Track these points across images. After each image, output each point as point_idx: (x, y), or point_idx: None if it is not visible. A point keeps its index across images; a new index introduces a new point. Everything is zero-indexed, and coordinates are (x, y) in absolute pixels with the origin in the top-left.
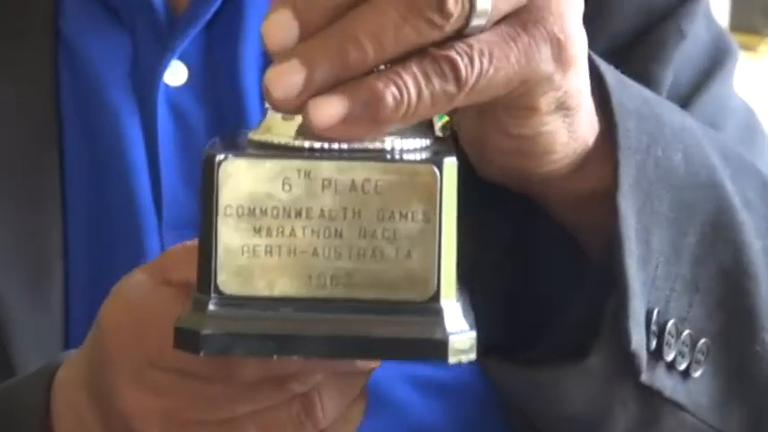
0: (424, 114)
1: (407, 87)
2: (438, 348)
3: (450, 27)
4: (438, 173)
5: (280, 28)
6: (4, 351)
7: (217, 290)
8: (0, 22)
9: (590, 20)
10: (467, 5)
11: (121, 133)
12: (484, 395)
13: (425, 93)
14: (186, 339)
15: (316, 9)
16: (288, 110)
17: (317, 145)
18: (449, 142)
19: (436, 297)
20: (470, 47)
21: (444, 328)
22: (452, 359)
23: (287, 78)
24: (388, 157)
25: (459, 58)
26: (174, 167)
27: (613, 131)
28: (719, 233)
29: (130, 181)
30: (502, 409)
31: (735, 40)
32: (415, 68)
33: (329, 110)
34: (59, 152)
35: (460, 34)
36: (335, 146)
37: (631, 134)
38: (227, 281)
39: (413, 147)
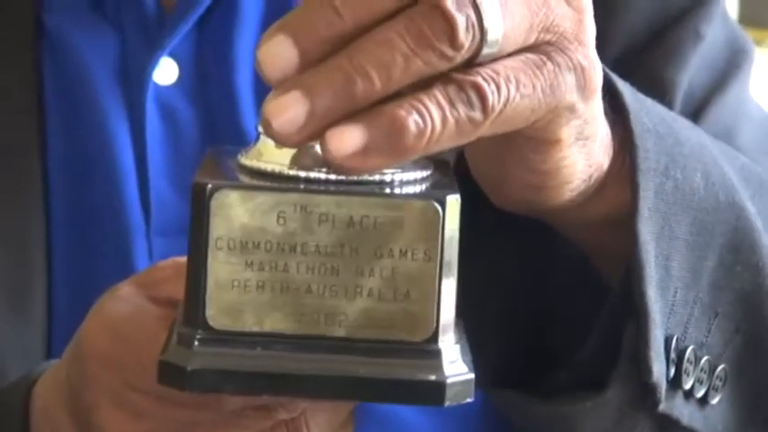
0: (447, 144)
1: (431, 115)
2: (434, 392)
3: (460, 58)
4: (441, 210)
5: (278, 56)
6: None
7: (205, 325)
8: None
9: (604, 21)
10: (477, 35)
11: (108, 133)
12: (482, 412)
13: (450, 120)
14: (171, 375)
15: (317, 36)
16: (289, 144)
17: (313, 175)
18: (449, 172)
19: (434, 338)
20: (497, 73)
21: (442, 371)
22: (449, 402)
23: (288, 111)
24: (388, 191)
25: (485, 84)
26: (163, 170)
27: (633, 152)
28: (739, 256)
29: (117, 184)
30: (501, 427)
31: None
32: (438, 94)
33: (348, 140)
34: (42, 151)
35: (471, 63)
36: (332, 177)
37: (650, 155)
38: (215, 316)
39: (413, 178)
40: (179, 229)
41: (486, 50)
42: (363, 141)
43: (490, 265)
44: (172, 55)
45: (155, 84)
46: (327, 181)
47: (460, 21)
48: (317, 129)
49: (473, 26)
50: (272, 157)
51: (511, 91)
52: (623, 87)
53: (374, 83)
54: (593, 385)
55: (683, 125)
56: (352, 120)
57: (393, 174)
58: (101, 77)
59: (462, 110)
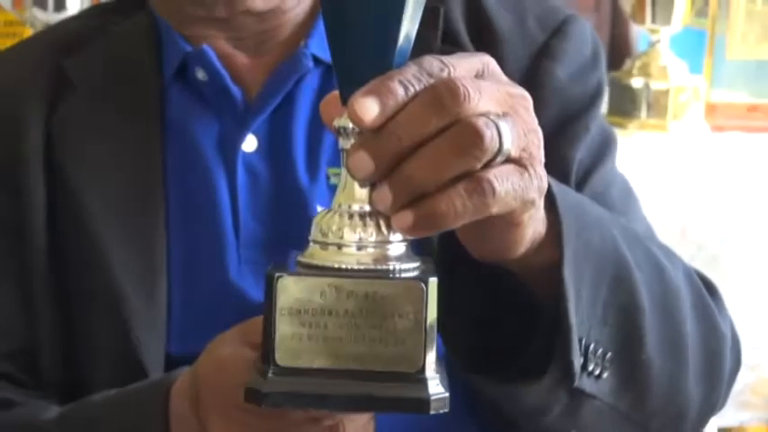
0: (471, 218)
1: (455, 204)
2: (422, 405)
3: (485, 158)
4: (425, 287)
5: (361, 165)
6: (127, 334)
7: (275, 363)
8: (121, 108)
9: None
10: (497, 145)
11: (212, 184)
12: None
13: (469, 204)
14: (253, 396)
15: (385, 152)
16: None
17: (343, 266)
18: (431, 263)
19: (422, 370)
20: (502, 173)
21: (428, 392)
22: (432, 412)
23: (385, 198)
24: (391, 276)
25: (495, 180)
26: (248, 207)
27: (559, 225)
28: (621, 284)
29: (218, 216)
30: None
31: (612, 121)
32: (462, 191)
33: (406, 221)
34: (165, 193)
35: (488, 165)
36: (355, 267)
37: (570, 226)
38: (281, 357)
39: (408, 267)
40: (258, 245)
41: (499, 158)
42: (414, 221)
43: (467, 296)
44: (253, 132)
45: (242, 152)
46: (351, 270)
47: (488, 133)
48: (400, 206)
49: (494, 138)
50: (319, 256)
51: (509, 186)
52: (551, 180)
53: (429, 177)
54: (534, 372)
55: (587, 201)
56: (408, 207)
57: (395, 264)
58: (207, 148)
59: (478, 197)
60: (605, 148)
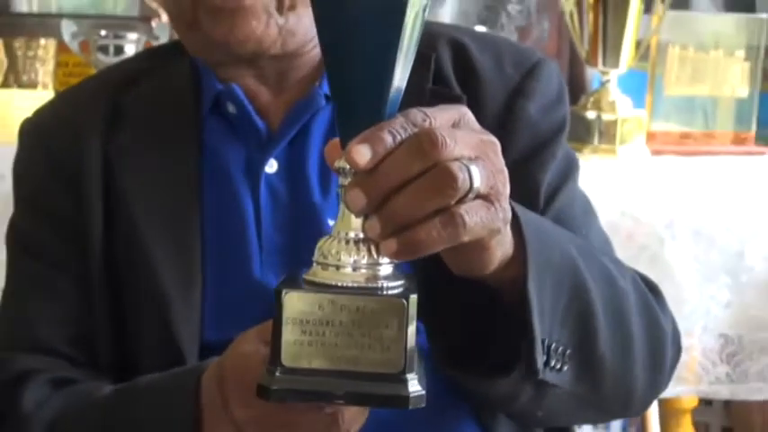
0: (446, 245)
1: (432, 234)
2: (403, 401)
3: (458, 196)
4: (406, 303)
5: (356, 200)
6: (168, 325)
7: (281, 364)
8: (166, 136)
9: (504, 145)
10: (468, 185)
11: (240, 200)
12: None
13: (444, 234)
14: (263, 392)
15: (377, 190)
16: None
17: (340, 283)
18: (414, 281)
19: (403, 372)
20: (472, 208)
21: (407, 390)
22: (411, 407)
23: (375, 228)
24: (378, 293)
25: (466, 215)
26: (269, 221)
27: (524, 246)
28: (577, 294)
29: (245, 228)
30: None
31: (570, 146)
32: (438, 223)
33: (391, 248)
34: (200, 211)
35: (460, 201)
36: (349, 284)
37: (533, 245)
38: (286, 358)
39: (393, 285)
40: (277, 252)
41: (470, 195)
42: (398, 247)
43: (448, 305)
44: (274, 157)
45: (265, 173)
46: (345, 287)
47: (460, 176)
48: (387, 235)
49: (466, 180)
50: (320, 275)
51: (477, 219)
52: (515, 205)
53: (413, 213)
54: (503, 368)
55: (548, 224)
56: (394, 236)
57: (383, 282)
58: (235, 169)
59: (452, 228)
60: (569, 171)
